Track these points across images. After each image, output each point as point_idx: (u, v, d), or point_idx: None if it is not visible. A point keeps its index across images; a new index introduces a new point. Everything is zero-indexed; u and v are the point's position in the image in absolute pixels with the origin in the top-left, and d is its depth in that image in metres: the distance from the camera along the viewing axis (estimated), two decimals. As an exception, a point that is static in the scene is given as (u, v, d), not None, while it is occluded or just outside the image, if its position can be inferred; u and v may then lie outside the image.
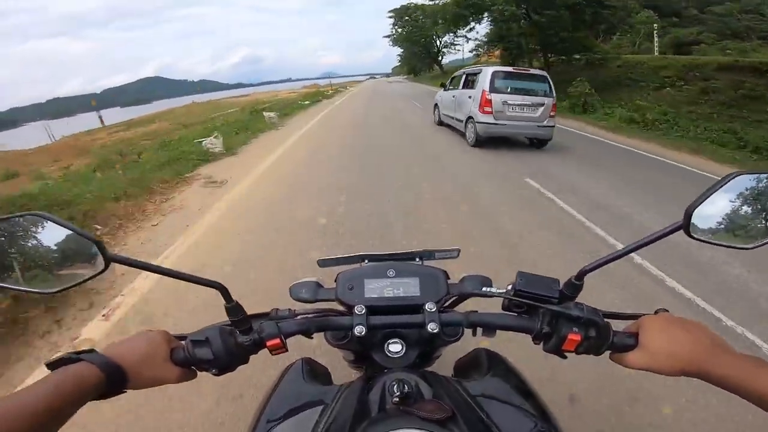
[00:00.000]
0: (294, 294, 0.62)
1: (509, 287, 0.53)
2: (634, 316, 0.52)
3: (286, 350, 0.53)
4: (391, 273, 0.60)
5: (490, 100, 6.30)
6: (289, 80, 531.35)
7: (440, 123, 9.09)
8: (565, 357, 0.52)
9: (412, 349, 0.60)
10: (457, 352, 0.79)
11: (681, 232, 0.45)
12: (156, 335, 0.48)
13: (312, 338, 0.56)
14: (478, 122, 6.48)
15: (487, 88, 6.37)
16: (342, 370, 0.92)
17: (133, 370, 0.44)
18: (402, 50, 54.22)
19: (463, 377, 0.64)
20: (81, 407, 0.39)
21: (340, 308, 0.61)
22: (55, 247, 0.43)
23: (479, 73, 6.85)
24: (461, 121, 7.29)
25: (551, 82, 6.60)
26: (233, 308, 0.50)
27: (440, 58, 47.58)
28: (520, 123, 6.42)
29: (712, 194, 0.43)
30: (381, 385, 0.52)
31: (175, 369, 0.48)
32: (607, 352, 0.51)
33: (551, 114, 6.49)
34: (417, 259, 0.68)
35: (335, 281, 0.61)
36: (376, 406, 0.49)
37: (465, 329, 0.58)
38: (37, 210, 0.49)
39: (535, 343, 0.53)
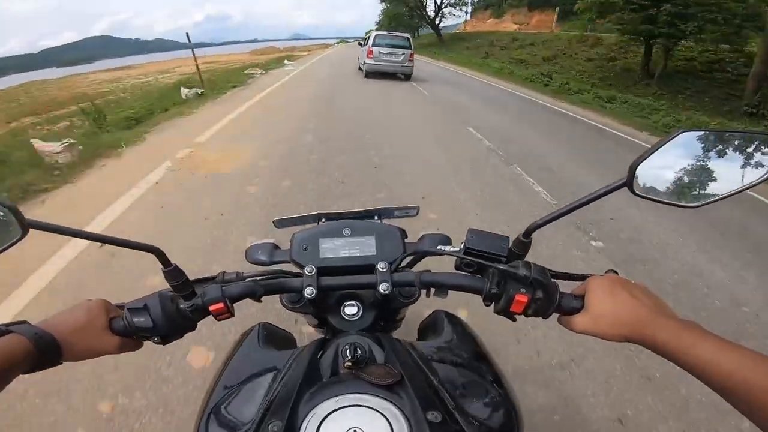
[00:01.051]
0: (250, 256, 0.61)
1: (462, 245, 0.52)
2: (582, 277, 0.51)
3: (232, 315, 0.52)
4: (346, 232, 0.58)
5: (372, 51, 11.08)
6: (255, 41, 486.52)
7: (359, 68, 13.75)
8: (514, 319, 0.51)
9: (369, 311, 0.58)
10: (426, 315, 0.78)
11: (626, 190, 0.44)
12: (94, 305, 0.47)
13: (261, 301, 0.55)
14: (366, 63, 11.28)
15: (371, 44, 11.13)
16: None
17: (68, 341, 0.43)
18: (386, 6, 42.14)
19: (424, 340, 0.64)
20: (11, 380, 0.38)
21: (296, 270, 0.58)
22: None
23: (369, 35, 11.59)
24: (362, 63, 12.05)
25: (411, 40, 11.44)
26: (171, 272, 0.49)
27: (438, 22, 35.44)
28: (390, 64, 11.26)
29: (656, 150, 0.43)
30: (334, 349, 0.52)
31: (114, 339, 0.47)
32: (555, 315, 0.49)
33: (410, 59, 11.35)
34: (375, 217, 0.67)
35: (290, 242, 0.59)
36: (328, 370, 0.49)
37: (421, 291, 0.56)
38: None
39: (486, 305, 0.52)
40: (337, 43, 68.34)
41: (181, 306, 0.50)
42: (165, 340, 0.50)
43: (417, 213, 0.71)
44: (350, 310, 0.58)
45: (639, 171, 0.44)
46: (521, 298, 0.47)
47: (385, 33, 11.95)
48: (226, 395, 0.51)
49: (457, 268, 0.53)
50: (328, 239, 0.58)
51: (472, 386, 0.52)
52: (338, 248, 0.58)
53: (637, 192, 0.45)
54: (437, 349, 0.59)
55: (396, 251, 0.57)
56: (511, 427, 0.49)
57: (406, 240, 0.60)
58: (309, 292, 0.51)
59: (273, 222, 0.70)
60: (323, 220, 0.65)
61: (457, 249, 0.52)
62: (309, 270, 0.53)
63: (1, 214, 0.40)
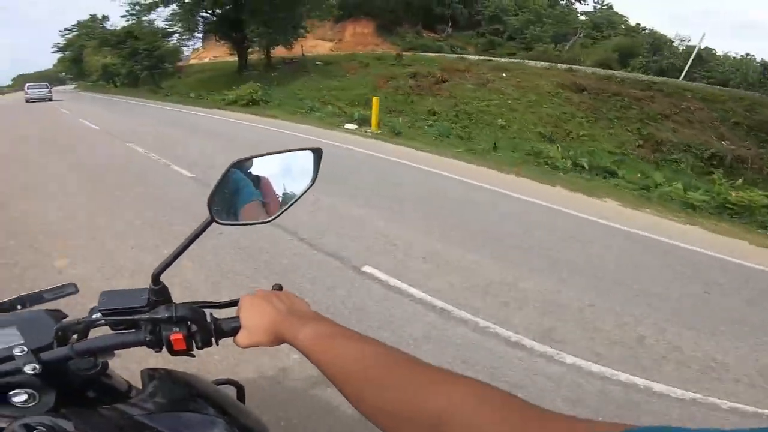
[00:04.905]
0: None
1: (96, 311, 0.53)
2: (233, 303, 0.55)
3: None
4: None
5: (26, 88, 25.55)
6: None
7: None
8: (192, 356, 0.54)
9: (47, 393, 0.54)
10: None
11: (215, 224, 0.51)
12: None
13: None
14: (27, 96, 25.29)
15: (27, 86, 25.91)
16: None
17: None
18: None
19: (135, 403, 0.61)
20: None
21: None
22: None
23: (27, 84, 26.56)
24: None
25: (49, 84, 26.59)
26: None
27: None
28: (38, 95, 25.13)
29: (220, 184, 0.51)
30: None
31: None
32: (228, 339, 0.53)
33: (50, 91, 25.90)
34: (19, 306, 0.63)
35: None
36: None
37: (102, 361, 0.57)
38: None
39: (156, 352, 0.53)
40: None
41: None
42: None
43: (77, 290, 0.68)
44: (18, 398, 0.52)
45: (215, 205, 0.51)
46: (176, 336, 0.50)
47: (32, 83, 25.53)
48: None
49: (112, 329, 0.54)
50: None
51: (192, 424, 0.54)
52: None
53: (220, 222, 0.53)
54: (144, 404, 0.58)
55: (48, 334, 0.53)
56: None
57: (65, 320, 0.56)
58: None
59: None
60: None
61: (98, 316, 0.53)
62: None
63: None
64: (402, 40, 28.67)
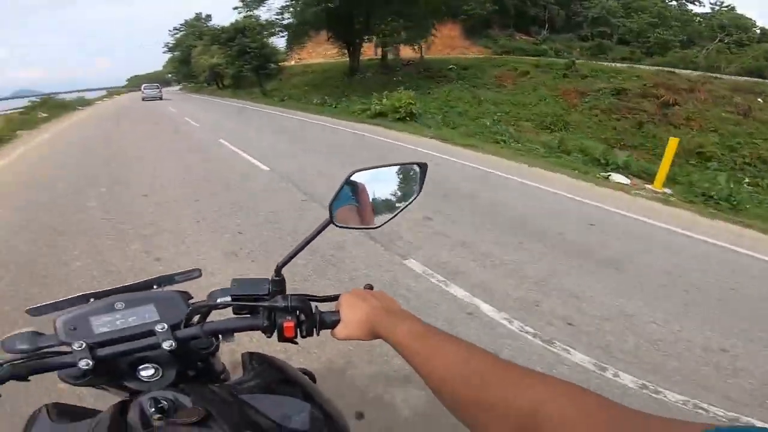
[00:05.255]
0: (7, 348, 0.57)
1: (226, 294, 0.61)
2: (333, 298, 0.62)
3: None
4: (119, 305, 0.59)
5: (142, 88, 26.06)
6: None
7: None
8: (296, 343, 0.59)
9: (169, 369, 0.59)
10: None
11: (332, 225, 0.56)
12: None
13: (29, 380, 0.53)
14: (143, 95, 25.59)
15: (143, 86, 26.31)
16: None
17: None
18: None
19: (237, 382, 0.67)
20: None
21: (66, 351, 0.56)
22: None
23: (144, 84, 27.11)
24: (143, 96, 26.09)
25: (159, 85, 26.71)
26: None
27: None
28: (151, 95, 25.41)
29: (340, 190, 0.57)
30: (137, 407, 0.53)
31: None
32: (328, 330, 0.58)
33: (161, 91, 25.98)
34: (155, 286, 0.69)
35: (54, 326, 0.57)
36: (139, 427, 0.50)
37: (225, 340, 0.64)
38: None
39: (268, 337, 0.59)
40: (102, 96, 44.42)
41: None
42: None
43: (200, 275, 0.74)
44: (146, 372, 0.58)
45: (335, 207, 0.58)
46: (288, 324, 0.56)
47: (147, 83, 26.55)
48: None
49: (235, 313, 0.61)
50: (100, 316, 0.57)
51: (285, 406, 0.58)
52: (114, 321, 0.57)
53: (337, 224, 0.60)
54: (242, 384, 0.65)
55: (179, 312, 0.59)
56: None
57: (191, 301, 0.63)
58: (84, 364, 0.51)
59: (27, 311, 0.65)
60: (92, 299, 0.63)
61: (228, 299, 0.61)
62: (78, 345, 0.52)
63: None
64: (494, 43, 27.10)
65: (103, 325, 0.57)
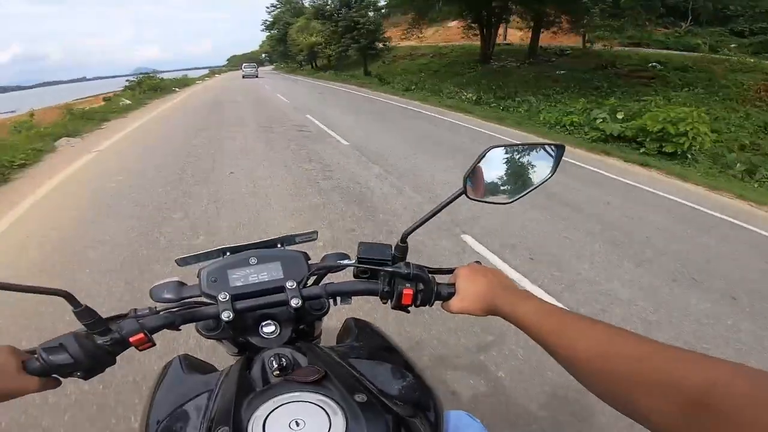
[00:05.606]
0: (156, 296, 0.62)
1: (356, 258, 0.62)
2: (451, 270, 0.63)
3: (153, 344, 0.54)
4: (253, 261, 0.62)
5: (242, 67, 24.68)
6: (83, 79, 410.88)
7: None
8: (408, 311, 0.61)
9: (286, 328, 0.63)
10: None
11: (464, 196, 0.57)
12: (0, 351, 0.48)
13: (180, 329, 0.57)
14: (243, 73, 24.35)
15: (243, 65, 25.01)
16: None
17: None
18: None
19: (344, 346, 0.70)
20: None
21: (208, 302, 0.60)
22: None
23: (243, 63, 26.06)
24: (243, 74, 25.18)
25: (256, 65, 25.17)
26: (83, 312, 0.50)
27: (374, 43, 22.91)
28: (250, 73, 24.02)
29: (475, 164, 0.57)
30: (260, 363, 0.56)
31: (32, 379, 0.47)
32: (438, 302, 0.60)
33: (257, 70, 24.22)
34: (279, 245, 0.72)
35: (198, 277, 0.62)
36: (260, 381, 0.53)
37: (330, 303, 0.65)
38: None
39: (383, 302, 0.61)
40: (206, 73, 48.82)
41: (99, 342, 0.51)
42: (87, 375, 0.51)
43: (317, 237, 0.77)
44: (268, 329, 0.61)
45: (468, 180, 0.58)
46: (408, 291, 0.58)
47: (246, 63, 25.51)
48: (162, 427, 0.52)
49: (355, 276, 0.63)
50: (236, 270, 0.61)
51: (386, 373, 0.59)
52: (247, 276, 0.61)
53: (470, 196, 0.59)
54: (351, 349, 0.67)
55: (302, 271, 0.62)
56: (428, 404, 0.57)
57: (309, 261, 0.65)
58: (226, 315, 0.54)
59: (176, 261, 0.70)
60: (228, 253, 0.67)
61: (353, 261, 0.62)
62: (223, 297, 0.56)
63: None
64: (619, 34, 21.62)
65: (238, 278, 0.61)
